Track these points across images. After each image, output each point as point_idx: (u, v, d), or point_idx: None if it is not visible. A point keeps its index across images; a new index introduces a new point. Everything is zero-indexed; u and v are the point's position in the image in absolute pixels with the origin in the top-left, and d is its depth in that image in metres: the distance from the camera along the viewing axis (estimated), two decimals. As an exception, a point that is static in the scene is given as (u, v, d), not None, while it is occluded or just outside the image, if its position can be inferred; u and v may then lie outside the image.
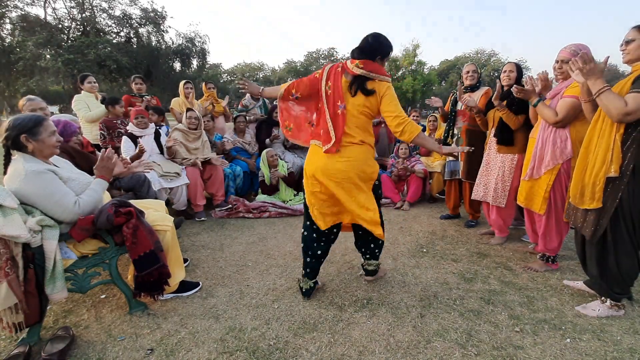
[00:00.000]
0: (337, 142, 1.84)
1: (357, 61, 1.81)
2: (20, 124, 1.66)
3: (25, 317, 1.57)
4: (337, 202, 1.93)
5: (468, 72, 3.24)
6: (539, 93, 2.36)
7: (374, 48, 1.85)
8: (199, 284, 2.21)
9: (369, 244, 2.13)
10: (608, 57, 1.79)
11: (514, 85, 2.41)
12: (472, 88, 3.22)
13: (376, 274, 2.24)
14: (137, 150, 3.14)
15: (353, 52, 1.89)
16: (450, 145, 3.45)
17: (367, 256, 2.17)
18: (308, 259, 2.05)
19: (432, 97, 3.50)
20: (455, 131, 3.38)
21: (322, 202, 1.94)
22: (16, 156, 1.69)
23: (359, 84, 1.83)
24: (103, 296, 2.10)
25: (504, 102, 2.74)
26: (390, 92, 1.84)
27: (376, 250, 2.15)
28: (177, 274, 2.05)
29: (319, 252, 2.03)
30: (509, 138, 2.71)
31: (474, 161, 3.15)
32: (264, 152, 4.19)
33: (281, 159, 4.33)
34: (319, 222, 1.95)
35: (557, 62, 2.26)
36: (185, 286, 2.13)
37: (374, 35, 1.88)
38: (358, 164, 1.86)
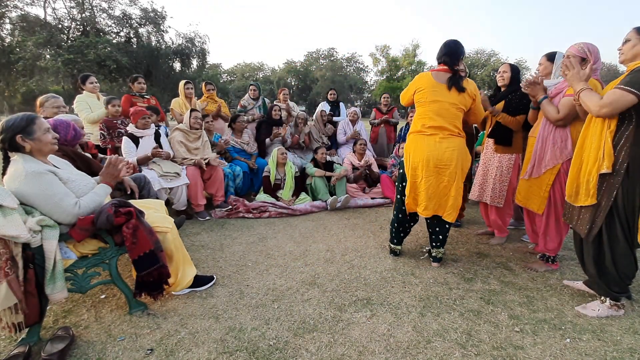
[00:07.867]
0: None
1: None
2: (13, 124, 1.65)
3: (25, 317, 1.57)
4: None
5: None
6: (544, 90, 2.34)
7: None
8: (214, 278, 2.26)
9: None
10: (591, 64, 1.91)
11: (524, 78, 2.39)
12: None
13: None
14: (149, 154, 3.20)
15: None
16: None
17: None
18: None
19: None
20: None
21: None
22: (15, 157, 1.69)
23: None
24: (103, 296, 2.11)
25: (501, 104, 2.73)
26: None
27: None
28: (188, 272, 2.11)
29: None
30: (507, 138, 2.71)
31: None
32: (276, 149, 4.16)
33: None
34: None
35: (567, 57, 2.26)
36: (200, 281, 2.17)
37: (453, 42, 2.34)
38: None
